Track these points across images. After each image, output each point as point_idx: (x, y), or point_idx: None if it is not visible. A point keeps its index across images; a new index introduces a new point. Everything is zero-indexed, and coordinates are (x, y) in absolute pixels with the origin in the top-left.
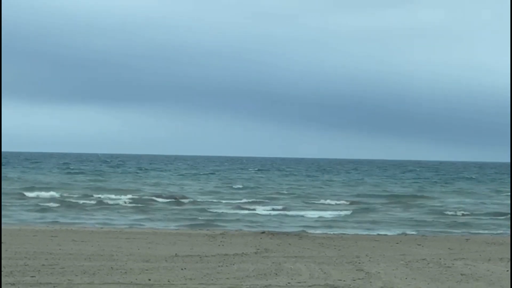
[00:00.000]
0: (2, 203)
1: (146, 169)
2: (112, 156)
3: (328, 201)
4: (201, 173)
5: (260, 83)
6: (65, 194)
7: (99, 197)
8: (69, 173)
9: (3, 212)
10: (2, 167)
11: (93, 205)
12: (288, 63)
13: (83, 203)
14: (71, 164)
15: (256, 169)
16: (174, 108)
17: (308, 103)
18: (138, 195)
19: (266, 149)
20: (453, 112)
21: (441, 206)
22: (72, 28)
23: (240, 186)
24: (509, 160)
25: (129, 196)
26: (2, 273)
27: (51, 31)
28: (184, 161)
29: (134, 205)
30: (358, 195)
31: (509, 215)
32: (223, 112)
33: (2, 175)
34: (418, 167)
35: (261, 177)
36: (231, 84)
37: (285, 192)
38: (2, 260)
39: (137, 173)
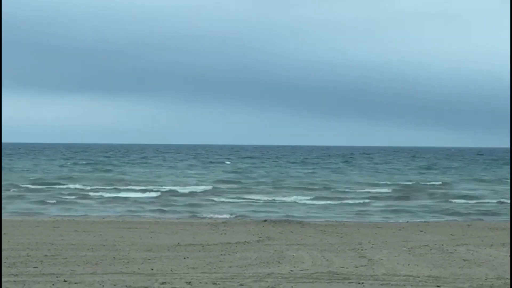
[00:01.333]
0: (19, 196)
1: (153, 158)
2: (115, 146)
3: (351, 190)
4: (212, 162)
5: (262, 72)
6: (79, 187)
7: (115, 189)
8: (76, 164)
9: (23, 205)
10: (10, 158)
11: (110, 197)
12: (290, 52)
13: (100, 195)
14: (77, 155)
15: (266, 157)
16: (177, 97)
17: (311, 91)
18: (154, 187)
19: (270, 137)
20: (452, 98)
21: (475, 195)
22: (77, 20)
23: (262, 181)
24: (508, 145)
25: (145, 187)
26: (5, 264)
27: (55, 23)
28: (189, 150)
29: (150, 195)
30: (379, 184)
31: None
32: (225, 101)
33: (13, 166)
34: (426, 153)
35: (279, 166)
36: (233, 73)
37: (306, 181)
38: (4, 252)
39: (146, 163)
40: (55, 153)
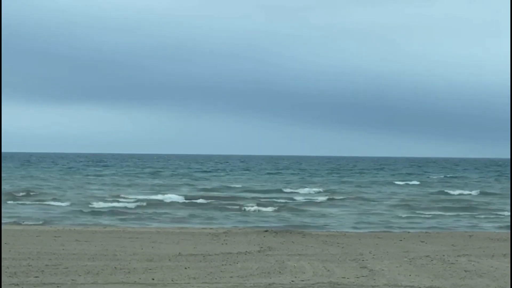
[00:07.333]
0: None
1: (182, 169)
2: (123, 156)
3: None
4: (254, 172)
5: (269, 82)
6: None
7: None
8: (125, 175)
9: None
10: (36, 168)
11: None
12: (297, 62)
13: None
14: (106, 165)
15: (296, 170)
16: (185, 108)
17: (318, 102)
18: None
19: (275, 147)
20: (458, 110)
21: None
22: (81, 28)
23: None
24: (508, 156)
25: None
26: (6, 274)
27: (61, 31)
28: (201, 161)
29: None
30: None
31: None
32: (232, 111)
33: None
34: (435, 164)
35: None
36: (240, 83)
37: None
38: (5, 261)
39: (181, 174)
40: (82, 163)
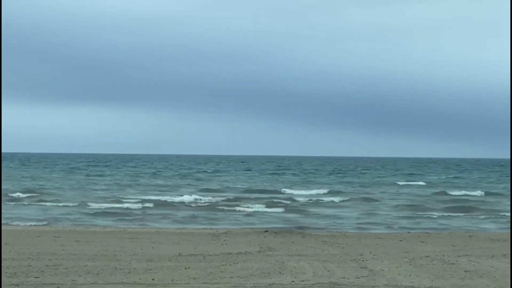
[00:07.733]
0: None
1: (188, 170)
2: (124, 156)
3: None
4: (256, 173)
5: (269, 82)
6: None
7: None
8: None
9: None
10: (36, 168)
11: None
12: (297, 62)
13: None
14: (107, 165)
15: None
16: (183, 108)
17: (318, 102)
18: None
19: (275, 147)
20: (458, 110)
21: None
22: (81, 29)
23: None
24: (508, 157)
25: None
26: (6, 274)
27: (61, 31)
28: (209, 161)
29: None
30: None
31: None
32: (232, 111)
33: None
34: (439, 165)
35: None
36: (240, 83)
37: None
38: (6, 261)
39: (183, 175)
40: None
